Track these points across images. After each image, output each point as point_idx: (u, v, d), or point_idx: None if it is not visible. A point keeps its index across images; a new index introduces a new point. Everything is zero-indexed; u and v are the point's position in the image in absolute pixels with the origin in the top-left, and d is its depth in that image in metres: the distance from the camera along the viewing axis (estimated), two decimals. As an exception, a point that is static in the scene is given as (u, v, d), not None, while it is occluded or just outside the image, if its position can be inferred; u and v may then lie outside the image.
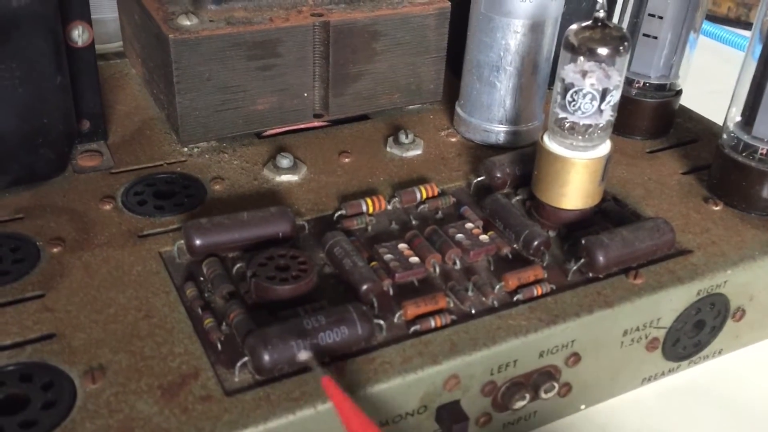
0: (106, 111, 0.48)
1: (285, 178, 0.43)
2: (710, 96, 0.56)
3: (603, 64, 0.36)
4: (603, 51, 0.36)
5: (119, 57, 0.57)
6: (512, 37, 0.45)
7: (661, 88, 0.49)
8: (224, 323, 0.33)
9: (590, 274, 0.37)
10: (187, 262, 0.37)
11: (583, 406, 0.38)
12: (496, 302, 0.35)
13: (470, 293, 0.36)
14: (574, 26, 0.37)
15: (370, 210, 0.41)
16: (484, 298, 0.35)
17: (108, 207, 0.40)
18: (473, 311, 0.35)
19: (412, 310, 0.34)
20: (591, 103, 0.37)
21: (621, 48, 0.36)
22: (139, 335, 0.32)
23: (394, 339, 0.33)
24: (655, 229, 0.38)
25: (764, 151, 0.42)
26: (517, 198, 0.42)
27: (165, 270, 0.36)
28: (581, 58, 0.37)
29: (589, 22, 0.37)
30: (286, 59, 0.45)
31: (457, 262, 0.37)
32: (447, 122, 0.51)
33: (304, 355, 0.30)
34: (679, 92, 0.50)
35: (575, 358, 0.36)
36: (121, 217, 0.39)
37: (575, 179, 0.38)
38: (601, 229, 0.39)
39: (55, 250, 0.37)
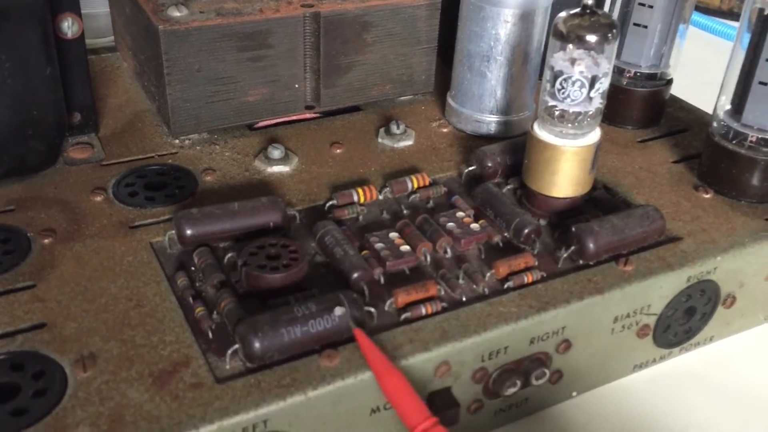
0: (98, 104, 0.48)
1: (276, 169, 0.44)
2: (704, 87, 0.57)
3: (592, 52, 0.37)
4: (591, 38, 0.36)
5: (111, 51, 0.57)
6: (502, 27, 0.45)
7: (651, 77, 0.49)
8: (215, 312, 0.33)
9: (581, 261, 0.37)
10: (178, 252, 0.37)
11: (574, 393, 0.38)
12: (486, 290, 0.35)
13: (461, 281, 0.36)
14: (562, 14, 0.37)
15: (362, 200, 0.41)
16: (474, 286, 0.36)
17: (99, 198, 0.40)
18: (464, 299, 0.35)
19: (402, 297, 0.34)
20: (580, 90, 0.37)
21: (609, 35, 0.37)
22: (130, 324, 0.32)
23: (385, 326, 0.33)
24: (645, 217, 0.38)
25: (754, 139, 0.42)
26: (508, 187, 0.42)
27: (156, 260, 0.36)
28: (570, 45, 0.37)
29: (577, 10, 0.37)
30: (276, 50, 0.45)
31: (448, 250, 0.38)
32: (438, 113, 0.51)
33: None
34: (669, 81, 0.50)
35: (566, 344, 0.36)
36: (112, 208, 0.39)
37: (565, 167, 0.39)
38: (591, 216, 0.40)
39: (46, 241, 0.37)
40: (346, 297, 0.32)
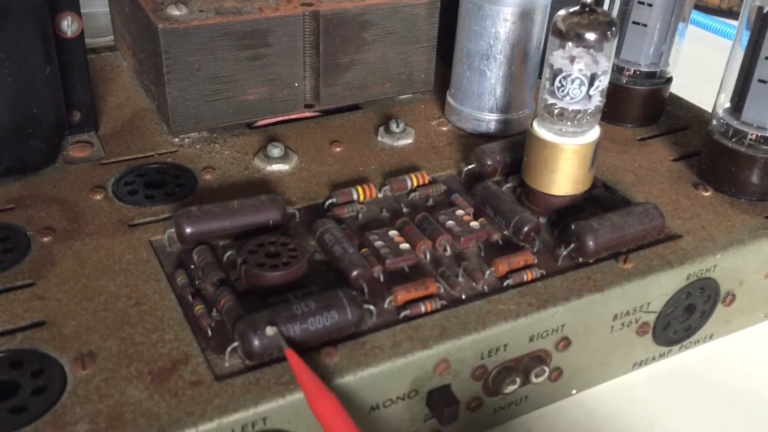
0: (98, 102, 0.48)
1: (276, 167, 0.44)
2: (704, 86, 0.57)
3: (591, 50, 0.37)
4: (591, 36, 0.36)
5: (111, 50, 0.57)
6: (502, 25, 0.45)
7: (651, 75, 0.49)
8: (214, 310, 0.33)
9: (580, 259, 0.37)
10: (177, 251, 0.37)
11: (574, 391, 0.38)
12: (486, 287, 0.35)
13: (460, 279, 0.36)
14: (562, 12, 0.37)
15: (361, 198, 0.41)
16: (474, 284, 0.36)
17: (98, 197, 0.40)
18: (463, 296, 0.35)
19: (402, 295, 0.34)
20: (579, 88, 0.37)
21: (608, 33, 0.37)
22: (130, 322, 0.32)
23: (385, 324, 0.33)
24: (645, 214, 0.38)
25: (753, 137, 0.42)
26: (508, 185, 0.42)
27: (155, 258, 0.36)
28: (569, 43, 0.37)
29: (576, 8, 0.37)
30: (276, 49, 0.45)
31: (448, 248, 0.38)
32: (438, 111, 0.51)
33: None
34: (669, 80, 0.50)
35: (565, 342, 0.36)
36: (112, 206, 0.39)
37: (565, 165, 0.39)
38: (591, 214, 0.40)
39: (45, 239, 0.37)
40: (346, 295, 0.32)
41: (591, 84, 0.37)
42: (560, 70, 0.37)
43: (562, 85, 0.37)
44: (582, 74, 0.37)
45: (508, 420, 0.37)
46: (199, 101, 0.44)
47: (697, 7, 0.86)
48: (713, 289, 0.39)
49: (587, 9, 0.37)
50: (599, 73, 0.37)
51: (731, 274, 0.40)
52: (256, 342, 0.30)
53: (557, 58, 0.37)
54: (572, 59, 0.37)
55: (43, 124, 0.40)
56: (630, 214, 0.38)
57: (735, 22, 0.84)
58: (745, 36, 0.42)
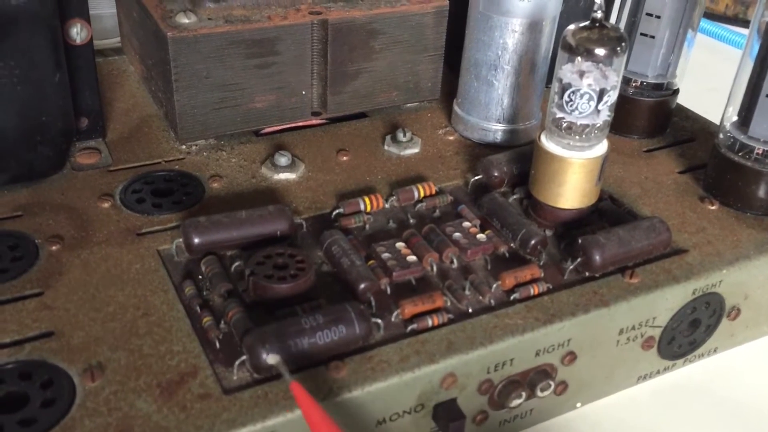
0: (105, 108, 0.48)
1: (283, 176, 0.44)
2: (708, 94, 0.57)
3: (600, 65, 0.37)
4: (600, 51, 0.36)
5: (117, 53, 0.57)
6: (510, 36, 0.45)
7: (658, 87, 0.49)
8: (222, 322, 0.33)
9: (586, 273, 0.37)
10: (185, 261, 0.37)
11: (579, 404, 0.38)
12: (493, 301, 0.35)
13: (467, 292, 0.36)
14: (571, 26, 0.37)
15: (368, 208, 0.41)
16: (481, 297, 0.36)
17: (106, 205, 0.40)
18: (470, 310, 0.35)
19: (409, 308, 0.34)
20: (588, 103, 0.37)
21: (618, 48, 0.37)
22: (138, 333, 0.32)
23: (392, 338, 0.33)
24: (651, 229, 0.38)
25: (760, 151, 0.42)
26: (515, 197, 0.42)
27: (163, 268, 0.36)
28: (579, 58, 0.37)
29: (586, 23, 0.37)
30: (284, 57, 0.45)
31: (455, 260, 0.38)
32: (445, 120, 0.51)
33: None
34: (676, 91, 0.50)
35: (571, 356, 0.36)
36: (120, 215, 0.40)
37: (572, 179, 0.39)
38: (597, 228, 0.40)
39: (53, 247, 0.37)
40: (353, 308, 0.32)
41: (600, 99, 0.37)
42: (569, 85, 0.37)
43: (571, 100, 0.37)
44: (591, 89, 0.37)
45: (513, 433, 0.37)
46: (207, 109, 0.44)
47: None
48: (718, 304, 0.40)
49: (597, 24, 0.37)
50: (608, 88, 0.37)
51: (737, 288, 0.40)
52: (264, 356, 0.30)
53: (566, 72, 0.37)
54: (581, 74, 0.37)
55: (52, 131, 0.41)
56: (636, 228, 0.38)
57: (740, 30, 0.84)
58: (755, 48, 0.42)
